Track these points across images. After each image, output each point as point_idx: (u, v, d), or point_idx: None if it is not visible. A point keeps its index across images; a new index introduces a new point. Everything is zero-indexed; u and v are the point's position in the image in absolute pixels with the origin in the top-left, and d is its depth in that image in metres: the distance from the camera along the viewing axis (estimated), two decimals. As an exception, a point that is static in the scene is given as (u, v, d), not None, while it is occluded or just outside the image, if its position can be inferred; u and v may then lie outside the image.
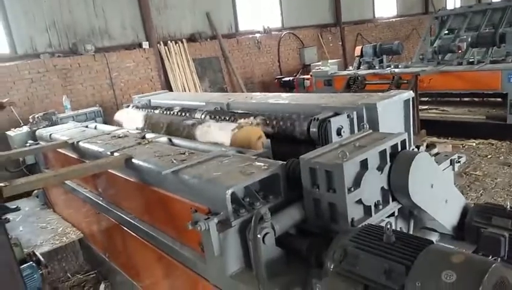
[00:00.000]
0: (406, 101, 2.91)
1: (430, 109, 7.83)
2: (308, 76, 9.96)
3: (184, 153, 2.63)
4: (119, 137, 3.47)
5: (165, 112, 4.02)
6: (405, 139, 2.12)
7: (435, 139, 6.62)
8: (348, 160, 1.80)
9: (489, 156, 5.92)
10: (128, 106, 5.20)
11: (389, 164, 2.00)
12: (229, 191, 1.88)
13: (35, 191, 5.08)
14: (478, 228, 2.14)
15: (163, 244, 2.47)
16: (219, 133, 2.99)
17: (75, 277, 3.87)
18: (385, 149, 1.99)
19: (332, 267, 1.57)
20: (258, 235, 1.75)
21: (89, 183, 3.56)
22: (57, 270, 3.83)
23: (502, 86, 6.32)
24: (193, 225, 1.84)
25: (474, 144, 6.51)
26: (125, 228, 2.96)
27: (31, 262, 2.86)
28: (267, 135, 2.86)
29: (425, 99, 8.05)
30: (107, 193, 3.23)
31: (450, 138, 6.86)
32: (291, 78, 10.77)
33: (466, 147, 6.36)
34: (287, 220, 1.93)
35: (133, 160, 2.69)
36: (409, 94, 2.94)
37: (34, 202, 5.05)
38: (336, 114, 2.75)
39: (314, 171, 1.90)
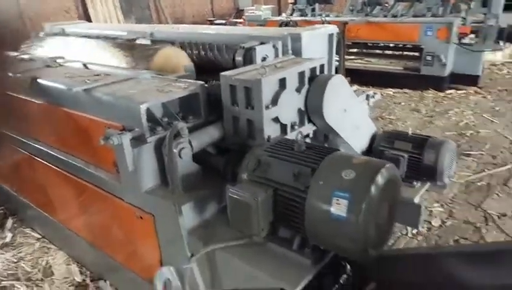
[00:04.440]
0: (331, 35, 2.95)
1: (355, 59, 8.21)
2: (241, 20, 9.71)
3: (99, 75, 2.45)
4: (24, 61, 3.11)
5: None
6: (324, 65, 2.18)
7: (357, 86, 6.98)
8: (267, 76, 1.81)
9: (402, 103, 6.44)
10: (37, 34, 4.66)
11: (307, 86, 2.06)
12: (144, 106, 1.80)
13: None
14: (382, 151, 2.33)
15: (76, 169, 2.33)
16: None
17: (-22, 214, 3.56)
18: (304, 71, 2.02)
19: (245, 176, 1.61)
20: (174, 150, 1.72)
21: (-11, 111, 3.18)
22: (-44, 206, 3.47)
23: (419, 39, 6.78)
24: (105, 140, 1.74)
25: (391, 93, 7.03)
26: (33, 157, 2.74)
27: None
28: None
29: (353, 50, 8.39)
30: (9, 120, 2.92)
31: (371, 87, 7.29)
32: (223, 21, 10.42)
33: (384, 94, 6.82)
34: (205, 137, 1.92)
35: (40, 80, 2.43)
36: (334, 28, 2.98)
37: None
38: (262, 44, 2.72)
39: (234, 89, 1.88)
